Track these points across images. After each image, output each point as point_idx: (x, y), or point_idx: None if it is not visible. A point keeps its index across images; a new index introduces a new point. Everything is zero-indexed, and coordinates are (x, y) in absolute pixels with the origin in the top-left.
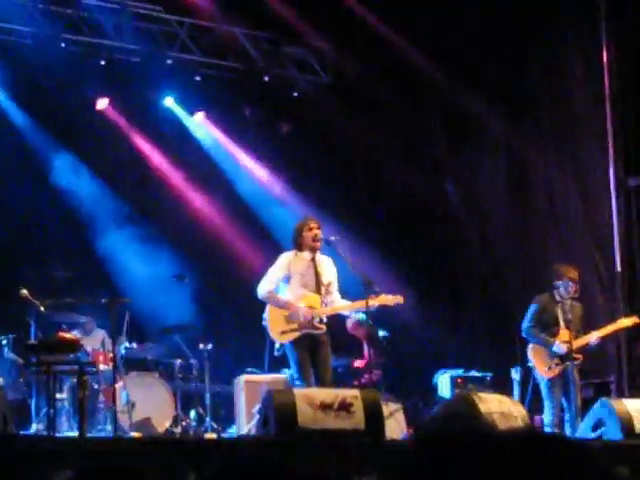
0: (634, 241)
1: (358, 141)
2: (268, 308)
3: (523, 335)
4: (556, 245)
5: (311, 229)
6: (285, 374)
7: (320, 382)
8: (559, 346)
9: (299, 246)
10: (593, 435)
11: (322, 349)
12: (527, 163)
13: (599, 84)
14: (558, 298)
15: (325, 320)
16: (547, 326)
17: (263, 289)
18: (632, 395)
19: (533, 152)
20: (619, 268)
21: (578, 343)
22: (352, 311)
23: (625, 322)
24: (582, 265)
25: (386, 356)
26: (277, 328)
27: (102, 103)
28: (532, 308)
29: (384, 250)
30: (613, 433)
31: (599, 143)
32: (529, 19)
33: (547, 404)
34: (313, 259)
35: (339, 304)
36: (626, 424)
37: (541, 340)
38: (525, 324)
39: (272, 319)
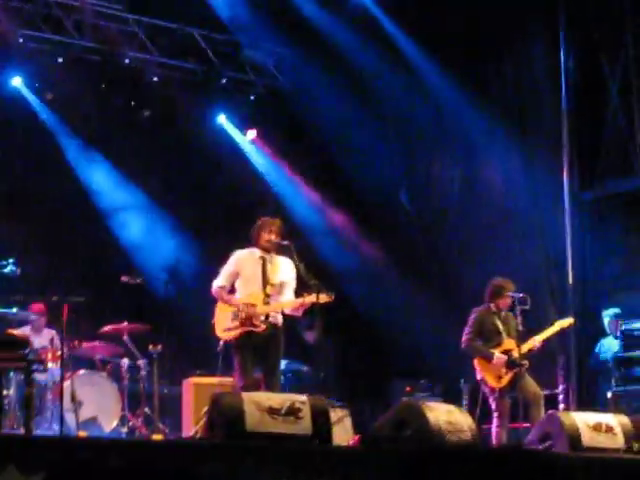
0: (586, 254)
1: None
2: (217, 305)
3: (463, 348)
4: (508, 257)
5: (270, 232)
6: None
7: (265, 381)
8: (499, 357)
9: (254, 242)
10: (540, 448)
11: (266, 348)
12: (480, 176)
13: (556, 97)
14: (494, 310)
15: (272, 319)
16: (490, 337)
17: (214, 285)
18: (580, 408)
19: (487, 164)
20: (571, 281)
21: (522, 350)
22: (294, 311)
23: (562, 323)
24: (534, 277)
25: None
26: (221, 325)
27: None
28: (470, 322)
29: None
30: (560, 446)
31: (554, 157)
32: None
33: (496, 415)
34: (262, 257)
35: (279, 303)
36: (573, 437)
37: (480, 353)
38: (463, 339)
39: (218, 316)
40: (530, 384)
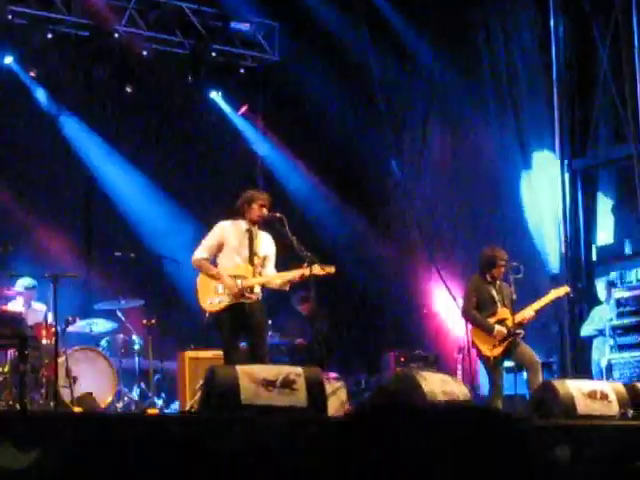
0: (579, 222)
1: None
2: (199, 277)
3: (463, 318)
4: (500, 226)
5: (261, 206)
6: None
7: (253, 351)
8: (499, 331)
9: (241, 214)
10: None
11: (253, 319)
12: (470, 146)
13: (547, 65)
14: (489, 279)
15: (258, 290)
16: (485, 306)
17: (195, 256)
18: (575, 376)
19: (477, 133)
20: (563, 249)
21: (517, 319)
22: (282, 285)
23: (558, 292)
24: (527, 246)
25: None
26: (206, 297)
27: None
28: (467, 291)
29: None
30: (555, 414)
31: (546, 125)
32: None
33: (490, 383)
34: (249, 230)
35: (271, 275)
36: (568, 405)
37: (481, 324)
38: (463, 307)
39: (201, 288)
40: (526, 352)
